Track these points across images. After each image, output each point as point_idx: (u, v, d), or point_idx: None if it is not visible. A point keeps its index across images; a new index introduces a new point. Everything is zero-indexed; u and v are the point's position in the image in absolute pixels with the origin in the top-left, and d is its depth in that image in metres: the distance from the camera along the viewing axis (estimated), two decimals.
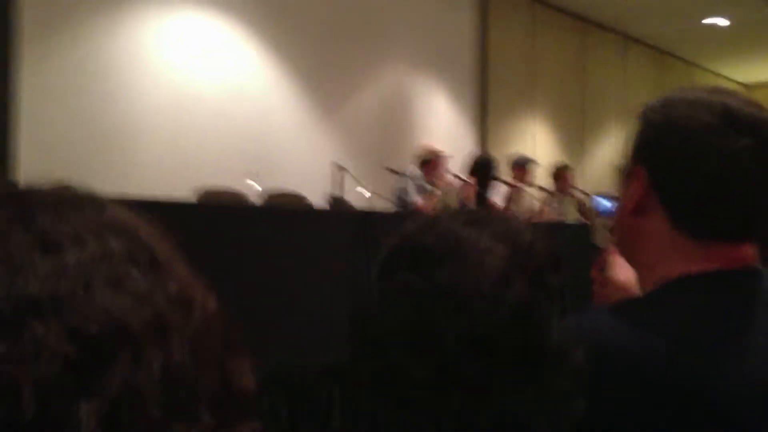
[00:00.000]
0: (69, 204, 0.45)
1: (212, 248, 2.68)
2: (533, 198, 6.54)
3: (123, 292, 0.41)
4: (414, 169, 5.58)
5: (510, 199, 5.99)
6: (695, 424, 0.82)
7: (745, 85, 13.05)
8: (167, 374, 0.40)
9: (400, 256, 0.80)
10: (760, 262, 0.96)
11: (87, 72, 4.98)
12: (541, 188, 6.41)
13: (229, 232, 3.03)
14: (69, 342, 0.38)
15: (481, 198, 5.60)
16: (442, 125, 7.59)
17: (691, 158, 0.90)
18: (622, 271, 1.21)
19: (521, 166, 6.38)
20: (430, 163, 5.55)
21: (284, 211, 3.95)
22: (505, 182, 6.06)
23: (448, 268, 0.75)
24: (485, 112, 8.17)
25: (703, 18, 9.53)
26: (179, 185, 4.46)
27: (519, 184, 6.16)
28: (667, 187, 0.93)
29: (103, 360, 0.38)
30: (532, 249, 0.79)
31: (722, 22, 9.65)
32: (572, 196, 6.57)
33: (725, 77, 12.56)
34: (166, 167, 5.17)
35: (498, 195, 6.00)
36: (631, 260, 1.05)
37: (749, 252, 0.95)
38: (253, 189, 4.04)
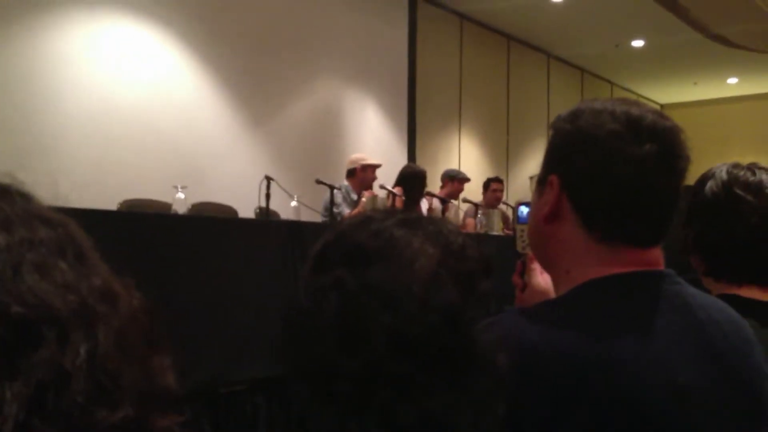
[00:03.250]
0: None
1: (138, 258, 2.63)
2: (460, 211, 6.66)
3: (50, 278, 0.41)
4: (343, 181, 5.61)
5: (437, 211, 6.07)
6: (610, 416, 0.86)
7: (662, 105, 13.63)
8: (92, 362, 0.41)
9: (333, 251, 0.80)
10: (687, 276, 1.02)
11: (9, 77, 4.82)
12: (468, 201, 6.52)
13: (155, 242, 2.97)
14: None
15: (409, 209, 5.65)
16: (373, 139, 7.64)
17: (599, 165, 0.95)
18: (542, 277, 1.26)
19: (451, 179, 6.50)
20: (356, 172, 5.58)
21: (212, 219, 3.90)
22: (433, 195, 6.14)
23: (380, 267, 0.76)
24: (414, 126, 8.27)
25: (622, 40, 9.92)
26: (104, 196, 4.35)
27: (447, 197, 6.26)
28: (578, 193, 0.97)
29: (30, 341, 0.39)
30: (464, 253, 0.80)
31: (639, 44, 10.07)
32: (499, 209, 6.71)
33: (644, 97, 13.08)
34: (90, 177, 5.03)
35: (426, 207, 6.08)
36: (547, 265, 1.09)
37: (657, 256, 1.00)
38: (181, 200, 3.97)
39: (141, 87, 5.57)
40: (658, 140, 0.94)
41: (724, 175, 1.32)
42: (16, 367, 0.38)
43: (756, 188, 1.29)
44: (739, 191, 1.29)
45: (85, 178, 5.00)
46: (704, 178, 1.34)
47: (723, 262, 1.31)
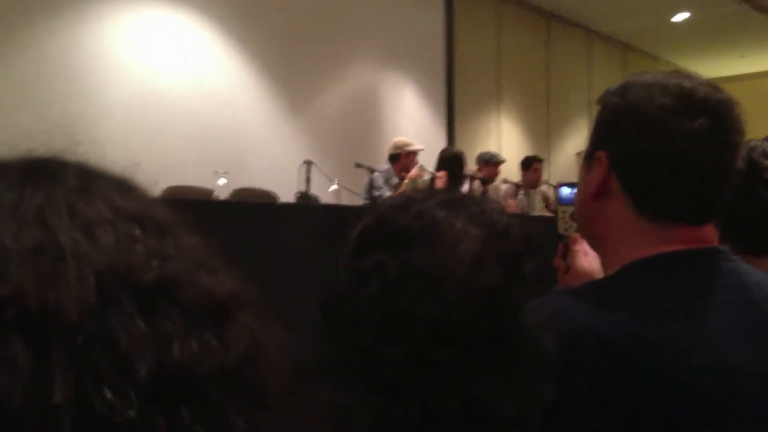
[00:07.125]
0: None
1: None
2: (500, 192, 6.58)
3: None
4: (384, 164, 5.59)
5: (477, 193, 6.02)
6: (658, 397, 0.84)
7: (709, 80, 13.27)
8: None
9: (373, 234, 0.78)
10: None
11: (50, 71, 4.90)
12: (508, 182, 6.44)
13: (198, 228, 2.99)
14: None
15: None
16: (411, 122, 7.60)
17: (649, 140, 0.91)
18: (585, 259, 1.23)
19: (487, 162, 6.41)
20: (400, 157, 5.55)
21: (253, 205, 3.92)
22: (474, 177, 6.09)
23: (422, 250, 0.73)
24: (453, 108, 8.20)
25: (666, 13, 9.66)
26: (148, 183, 4.39)
27: (487, 179, 6.19)
28: (627, 169, 0.94)
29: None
30: (508, 234, 0.77)
31: (684, 16, 9.80)
32: (539, 189, 6.61)
33: (689, 71, 12.74)
34: (132, 166, 5.08)
35: (466, 189, 6.02)
36: (595, 245, 1.06)
37: (711, 233, 0.96)
38: (222, 186, 4.01)
39: (180, 75, 5.62)
40: (711, 114, 0.90)
41: None
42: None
43: None
44: (758, 158, 1.25)
45: (126, 166, 5.05)
46: None
47: (762, 232, 1.26)
